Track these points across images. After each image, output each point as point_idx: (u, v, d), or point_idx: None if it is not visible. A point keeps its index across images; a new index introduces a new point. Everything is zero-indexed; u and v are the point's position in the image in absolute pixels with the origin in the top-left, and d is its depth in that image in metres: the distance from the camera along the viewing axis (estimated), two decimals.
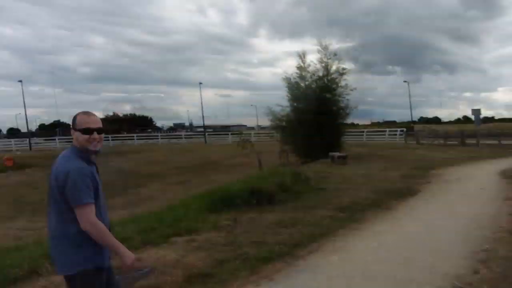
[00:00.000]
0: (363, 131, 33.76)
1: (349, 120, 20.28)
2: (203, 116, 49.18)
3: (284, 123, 18.92)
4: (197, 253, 4.60)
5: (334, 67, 18.56)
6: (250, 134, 34.74)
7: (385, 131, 31.71)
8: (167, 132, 61.52)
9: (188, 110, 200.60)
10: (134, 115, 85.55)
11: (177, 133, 54.85)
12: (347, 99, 18.48)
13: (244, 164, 22.33)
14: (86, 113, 2.33)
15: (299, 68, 18.71)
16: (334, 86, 18.61)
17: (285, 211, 6.84)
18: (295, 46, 47.06)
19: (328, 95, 18.65)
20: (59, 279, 3.88)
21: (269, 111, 18.98)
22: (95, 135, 2.27)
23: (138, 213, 9.21)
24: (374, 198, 7.62)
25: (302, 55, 18.91)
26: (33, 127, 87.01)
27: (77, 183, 2.13)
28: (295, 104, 18.84)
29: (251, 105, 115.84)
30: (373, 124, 63.33)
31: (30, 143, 37.26)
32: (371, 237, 5.33)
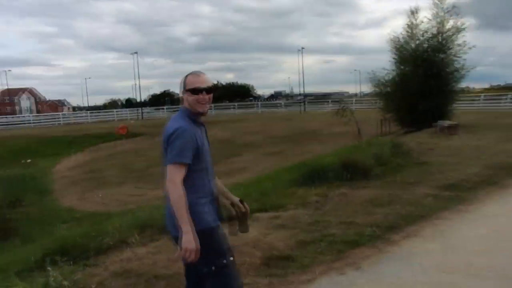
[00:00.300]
0: (479, 96, 30.25)
1: (463, 84, 17.90)
2: (303, 84, 48.47)
3: (387, 89, 17.52)
4: (280, 232, 4.39)
5: (450, 23, 16.46)
6: (351, 101, 33.40)
7: (506, 96, 27.87)
8: (266, 101, 62.11)
9: (289, 77, 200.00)
10: (236, 83, 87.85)
11: (276, 101, 55.07)
12: (464, 59, 16.37)
13: (343, 133, 21.43)
14: (196, 74, 2.27)
15: (409, 26, 16.89)
16: (448, 45, 16.58)
17: (381, 187, 6.29)
18: (406, 2, 43.08)
19: (440, 55, 16.73)
20: (143, 251, 3.99)
21: (372, 76, 17.68)
22: (204, 95, 2.20)
23: (227, 184, 9.28)
24: (487, 174, 6.64)
25: (414, 11, 16.93)
26: (146, 97, 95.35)
27: (175, 141, 2.07)
28: (402, 67, 17.26)
29: (354, 70, 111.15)
30: (493, 89, 56.59)
31: (142, 113, 40.43)
32: (481, 221, 4.60)
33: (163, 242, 4.02)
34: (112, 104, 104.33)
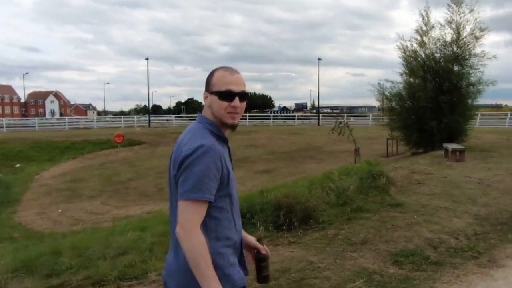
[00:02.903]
0: (506, 114, 27.29)
1: (493, 100, 15.32)
2: (318, 97, 46.23)
3: (392, 104, 15.18)
4: None
5: (468, 29, 14.04)
6: (368, 116, 30.95)
7: None
8: (280, 113, 60.18)
9: (310, 90, 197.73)
10: (256, 94, 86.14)
11: (290, 114, 53.02)
12: (481, 72, 13.91)
13: (345, 151, 19.48)
14: (227, 69, 1.60)
15: (418, 31, 14.52)
16: (465, 54, 14.16)
17: (306, 247, 4.24)
18: (440, 14, 40.10)
19: (455, 67, 14.33)
20: None
21: (378, 88, 15.41)
22: (236, 101, 1.55)
23: None
24: (475, 233, 4.46)
25: (424, 13, 14.37)
26: (173, 104, 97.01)
27: (194, 167, 1.44)
28: (410, 79, 14.91)
29: (378, 83, 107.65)
30: None
31: (149, 120, 39.16)
32: None
33: None
34: (137, 110, 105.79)
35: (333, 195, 5.94)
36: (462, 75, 14.06)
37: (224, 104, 1.55)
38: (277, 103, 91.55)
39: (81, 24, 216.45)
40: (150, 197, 15.40)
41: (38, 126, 37.01)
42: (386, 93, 14.95)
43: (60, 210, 14.42)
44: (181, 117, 42.04)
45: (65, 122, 38.07)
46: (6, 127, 35.53)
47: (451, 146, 10.85)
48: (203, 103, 1.62)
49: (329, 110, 67.92)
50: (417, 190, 6.71)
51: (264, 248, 1.74)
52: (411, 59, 14.64)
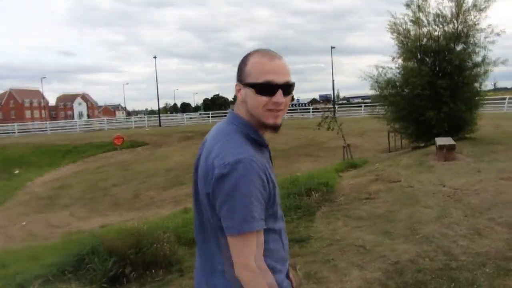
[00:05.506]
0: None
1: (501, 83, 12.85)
2: (333, 87, 43.91)
3: (385, 92, 13.09)
4: None
5: (469, 2, 11.83)
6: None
7: None
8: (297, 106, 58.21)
9: (333, 80, 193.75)
10: None
11: (304, 107, 50.91)
12: (489, 50, 11.69)
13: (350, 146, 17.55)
14: (266, 54, 1.27)
15: (409, 6, 12.27)
16: (468, 31, 11.97)
17: None
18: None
19: (457, 47, 12.16)
20: None
21: (369, 76, 13.30)
22: (279, 96, 1.23)
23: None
24: None
25: None
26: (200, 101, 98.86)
27: (237, 192, 1.15)
28: (403, 63, 12.79)
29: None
30: None
31: (159, 119, 38.24)
32: None
33: None
34: (166, 109, 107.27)
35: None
36: (466, 55, 11.85)
37: (263, 99, 1.23)
38: (301, 96, 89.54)
39: (112, 26, 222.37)
40: (120, 205, 14.26)
41: (50, 130, 36.84)
42: (379, 80, 12.86)
43: (24, 223, 13.46)
44: (206, 115, 40.00)
45: (76, 126, 37.70)
46: (18, 131, 35.55)
47: (442, 141, 8.87)
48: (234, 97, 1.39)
49: (360, 100, 65.38)
50: (352, 212, 4.96)
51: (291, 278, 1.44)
52: (406, 39, 12.54)
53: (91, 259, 3.62)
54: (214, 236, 1.27)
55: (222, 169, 1.16)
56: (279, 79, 1.22)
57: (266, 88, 1.22)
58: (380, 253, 3.50)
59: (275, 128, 1.29)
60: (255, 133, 1.27)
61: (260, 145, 1.29)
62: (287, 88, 1.25)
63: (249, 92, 1.24)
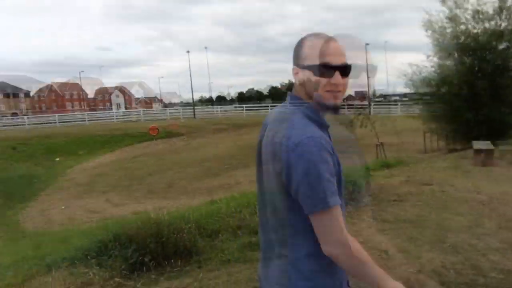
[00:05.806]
0: None
1: None
2: (368, 84, 42.78)
3: (420, 91, 12.75)
4: None
5: None
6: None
7: None
8: None
9: (368, 77, 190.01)
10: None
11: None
12: None
13: (372, 145, 17.19)
14: (321, 36, 1.29)
15: (448, 2, 11.69)
16: None
17: None
18: None
19: (500, 46, 11.66)
20: None
21: (403, 74, 12.96)
22: (337, 77, 1.26)
23: None
24: None
25: None
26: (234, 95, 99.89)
27: (314, 169, 1.16)
28: (440, 61, 12.38)
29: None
30: None
31: (194, 111, 38.85)
32: None
33: None
34: (202, 101, 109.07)
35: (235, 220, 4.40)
36: (509, 54, 11.36)
37: (322, 81, 1.26)
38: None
39: (147, 23, 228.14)
40: (155, 194, 14.62)
41: (89, 121, 38.15)
42: (414, 78, 12.53)
43: (63, 207, 14.10)
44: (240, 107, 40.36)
45: (113, 116, 38.86)
46: (59, 122, 36.98)
47: (480, 144, 8.59)
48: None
49: (397, 98, 63.92)
50: (378, 214, 4.92)
51: None
52: (441, 37, 12.12)
53: (113, 246, 3.80)
54: (274, 203, 1.28)
55: (294, 147, 1.17)
56: (336, 61, 1.25)
57: (323, 70, 1.25)
58: (403, 260, 3.48)
59: (335, 109, 1.31)
60: (315, 114, 1.29)
61: (321, 126, 1.29)
62: (345, 69, 1.27)
63: (307, 74, 1.28)
